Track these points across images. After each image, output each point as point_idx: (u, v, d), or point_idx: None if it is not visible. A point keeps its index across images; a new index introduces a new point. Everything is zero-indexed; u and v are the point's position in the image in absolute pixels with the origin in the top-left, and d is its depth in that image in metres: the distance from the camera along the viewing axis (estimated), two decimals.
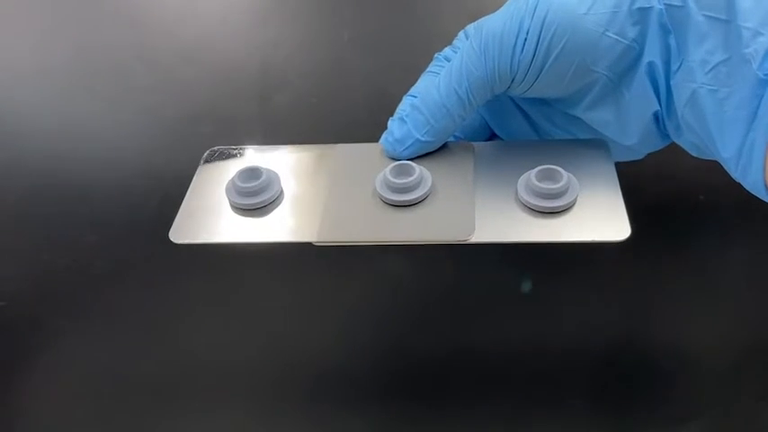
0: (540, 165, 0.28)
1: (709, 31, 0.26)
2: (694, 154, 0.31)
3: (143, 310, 0.40)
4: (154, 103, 0.46)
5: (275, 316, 0.40)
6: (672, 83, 0.28)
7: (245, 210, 0.29)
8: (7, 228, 0.43)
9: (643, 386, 0.37)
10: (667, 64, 0.28)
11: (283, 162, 0.31)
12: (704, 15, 0.26)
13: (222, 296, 0.41)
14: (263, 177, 0.29)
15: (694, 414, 0.36)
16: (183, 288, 0.41)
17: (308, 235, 0.28)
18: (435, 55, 0.33)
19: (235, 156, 0.32)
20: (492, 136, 0.35)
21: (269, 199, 0.29)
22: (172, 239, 0.29)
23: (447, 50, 0.32)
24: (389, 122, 0.31)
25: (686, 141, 0.30)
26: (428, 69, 0.32)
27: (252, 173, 0.29)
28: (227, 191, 0.30)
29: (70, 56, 0.48)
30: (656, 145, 0.31)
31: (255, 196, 0.29)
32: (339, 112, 0.44)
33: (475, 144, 0.31)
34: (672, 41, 0.27)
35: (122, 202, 0.43)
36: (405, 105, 0.31)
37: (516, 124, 0.34)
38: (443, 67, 0.31)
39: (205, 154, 0.32)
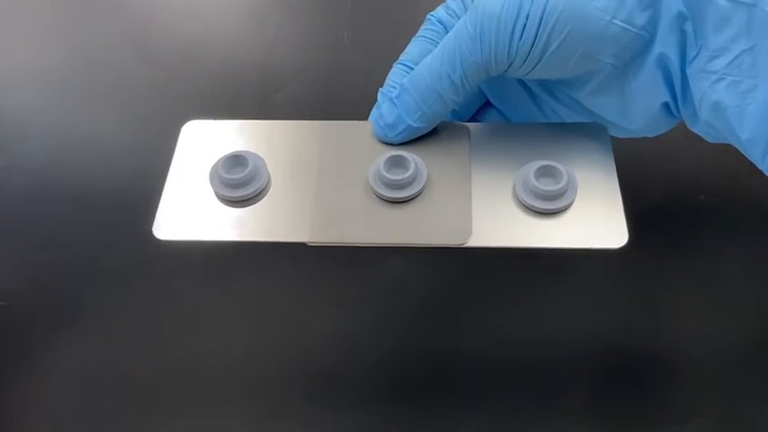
0: (538, 155, 0.28)
1: (731, 16, 0.24)
2: (711, 140, 0.29)
3: (143, 310, 0.40)
4: (154, 103, 0.46)
5: (274, 316, 0.40)
6: (688, 71, 0.26)
7: (231, 201, 0.28)
8: (7, 228, 0.43)
9: (643, 386, 0.37)
10: (683, 51, 0.26)
11: (268, 142, 0.29)
12: None
13: (221, 296, 0.41)
14: (250, 167, 0.27)
15: (694, 414, 0.36)
16: (183, 289, 0.41)
17: (301, 234, 0.27)
18: (428, 16, 0.31)
19: (216, 131, 0.30)
20: (487, 103, 0.33)
21: (256, 191, 0.28)
22: (155, 235, 0.28)
23: (440, 11, 0.30)
24: (379, 95, 0.30)
25: (702, 129, 0.28)
26: (420, 33, 0.30)
27: (237, 161, 0.28)
28: (212, 180, 0.28)
29: (70, 56, 0.48)
30: (662, 130, 0.30)
31: (242, 188, 0.27)
32: (338, 112, 0.44)
33: (470, 126, 0.30)
34: (688, 27, 0.25)
35: (122, 202, 0.43)
36: (394, 78, 0.30)
37: (517, 98, 0.32)
38: (436, 32, 0.30)
39: (182, 130, 0.30)
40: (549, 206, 0.27)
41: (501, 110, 0.33)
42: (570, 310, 0.39)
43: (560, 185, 0.27)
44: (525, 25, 0.25)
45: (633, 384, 0.37)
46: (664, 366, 0.38)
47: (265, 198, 0.28)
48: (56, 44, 0.49)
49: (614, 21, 0.25)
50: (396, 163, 0.28)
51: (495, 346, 0.39)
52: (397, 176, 0.27)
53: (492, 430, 0.37)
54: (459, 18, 0.29)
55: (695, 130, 0.29)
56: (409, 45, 0.31)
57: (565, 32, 0.25)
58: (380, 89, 0.30)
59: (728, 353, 0.38)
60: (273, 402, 0.38)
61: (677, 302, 0.39)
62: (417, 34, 0.31)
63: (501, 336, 0.39)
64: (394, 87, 0.29)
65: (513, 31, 0.26)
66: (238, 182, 0.27)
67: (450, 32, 0.27)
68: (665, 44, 0.26)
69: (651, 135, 0.31)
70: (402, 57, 0.30)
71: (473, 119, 0.33)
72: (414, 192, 0.27)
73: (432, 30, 0.30)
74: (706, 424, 0.36)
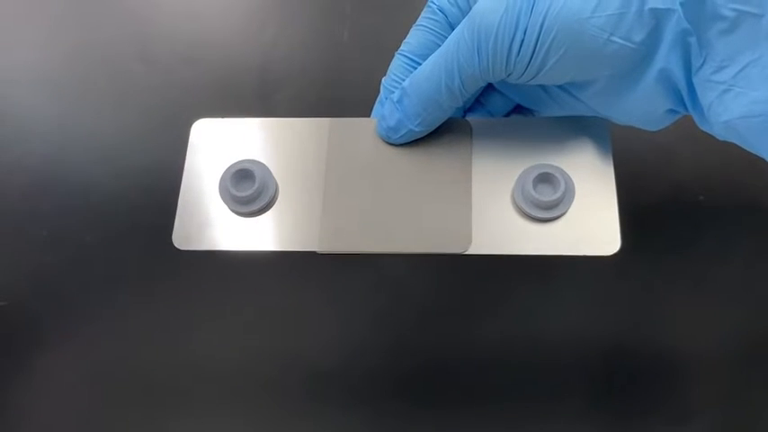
0: (538, 154, 0.28)
1: (737, 27, 0.23)
2: (721, 139, 0.28)
3: (143, 310, 0.40)
4: (154, 103, 0.46)
5: (275, 316, 0.40)
6: (694, 80, 0.26)
7: (242, 214, 0.29)
8: (7, 228, 0.43)
9: (643, 386, 0.37)
10: (687, 63, 0.25)
11: (276, 140, 0.30)
12: (731, 8, 0.23)
13: (222, 296, 0.41)
14: (257, 183, 0.28)
15: (694, 414, 0.36)
16: (183, 288, 0.41)
17: (311, 243, 0.28)
18: (428, 3, 0.30)
19: (224, 129, 0.31)
20: (489, 85, 0.33)
21: (265, 205, 0.29)
22: (176, 245, 0.29)
23: None
24: (382, 89, 0.30)
25: (711, 130, 0.28)
26: (420, 22, 0.30)
27: (244, 174, 0.29)
28: (222, 194, 0.29)
29: (70, 56, 0.48)
30: (667, 123, 0.30)
31: (251, 204, 0.29)
32: (339, 112, 0.44)
33: (472, 122, 0.30)
34: (692, 40, 0.25)
35: (122, 201, 0.43)
36: (395, 70, 0.30)
37: (524, 85, 0.31)
38: (437, 21, 0.30)
39: (192, 130, 0.31)
40: (545, 215, 0.27)
41: (506, 93, 0.33)
42: (570, 311, 0.39)
43: (557, 195, 0.27)
44: (523, 41, 0.25)
45: (633, 384, 0.37)
46: (663, 366, 0.38)
47: (275, 207, 0.29)
48: (56, 44, 0.49)
49: (612, 38, 0.25)
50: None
51: (494, 345, 0.39)
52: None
53: (492, 429, 0.37)
54: (459, 7, 0.29)
55: (704, 129, 0.29)
56: (410, 34, 0.30)
57: (563, 49, 0.25)
58: (383, 80, 0.31)
59: (728, 353, 0.38)
60: (276, 401, 0.38)
61: (677, 302, 0.39)
62: (418, 22, 0.30)
63: (500, 335, 0.39)
64: (396, 84, 0.30)
65: (510, 46, 0.25)
66: (247, 198, 0.28)
67: (450, 39, 0.27)
68: (667, 60, 0.25)
69: (656, 129, 0.31)
70: (403, 47, 0.30)
71: (477, 102, 0.33)
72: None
73: (432, 19, 0.30)
74: (705, 424, 0.36)
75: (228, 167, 0.29)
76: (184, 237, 0.29)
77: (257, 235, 0.29)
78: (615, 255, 0.27)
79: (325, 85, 0.46)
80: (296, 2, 0.50)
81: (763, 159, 0.26)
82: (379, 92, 0.31)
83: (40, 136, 0.46)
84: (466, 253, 0.28)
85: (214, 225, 0.29)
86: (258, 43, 0.48)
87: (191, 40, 0.49)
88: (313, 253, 0.28)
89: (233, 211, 0.29)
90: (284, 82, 0.46)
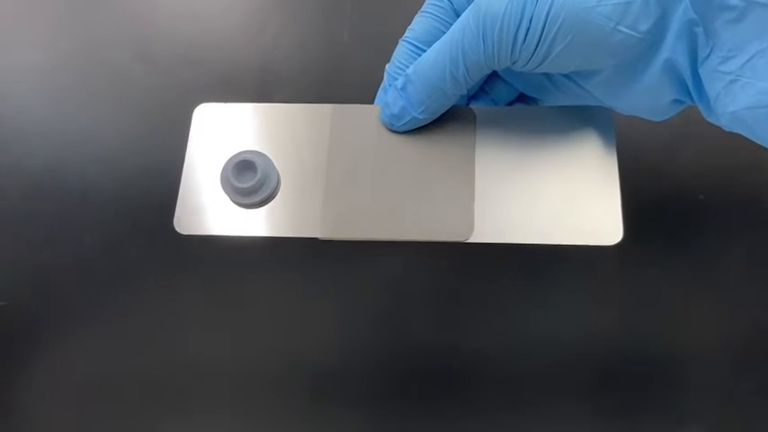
0: (543, 142, 0.28)
1: (744, 17, 0.23)
2: (728, 130, 0.28)
3: (143, 310, 0.40)
4: (154, 104, 0.46)
5: (275, 316, 0.40)
6: (700, 71, 0.26)
7: (244, 205, 0.29)
8: (7, 228, 0.43)
9: (643, 386, 0.37)
10: (693, 53, 0.25)
11: (278, 125, 0.30)
12: None
13: (222, 296, 0.41)
14: (259, 174, 0.28)
15: (693, 414, 0.36)
16: (183, 288, 0.41)
17: (313, 230, 0.28)
18: None
19: (226, 114, 0.31)
20: (494, 72, 0.33)
21: (267, 196, 0.29)
22: (177, 230, 0.29)
23: None
24: (386, 75, 0.30)
25: (718, 121, 0.28)
26: (425, 9, 0.30)
27: (246, 165, 0.29)
28: (224, 185, 0.29)
29: (70, 56, 0.48)
30: (673, 113, 0.30)
31: (253, 195, 0.28)
32: None
33: (476, 110, 0.30)
34: (699, 30, 0.25)
35: (122, 201, 0.43)
36: (400, 57, 0.30)
37: (529, 74, 0.31)
38: (441, 7, 0.30)
39: (194, 114, 0.31)
40: None
41: (510, 81, 0.33)
42: (569, 310, 0.39)
43: None
44: (528, 29, 0.25)
45: (632, 385, 0.37)
46: (663, 366, 0.38)
47: (277, 197, 0.29)
48: (56, 44, 0.49)
49: (619, 27, 0.25)
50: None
51: (494, 345, 0.39)
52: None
53: (492, 429, 0.37)
54: None
55: (711, 120, 0.28)
56: (414, 21, 0.30)
57: (568, 38, 0.25)
58: (387, 66, 0.30)
59: (728, 353, 0.38)
60: (276, 401, 0.38)
61: (676, 302, 0.39)
62: (423, 9, 0.30)
63: (500, 335, 0.39)
64: (400, 71, 0.30)
65: (516, 35, 0.25)
66: (249, 190, 0.28)
67: (455, 26, 0.27)
68: (673, 50, 0.25)
69: (660, 119, 0.30)
70: (407, 33, 0.30)
71: (481, 90, 0.33)
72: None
73: (437, 6, 0.30)
74: (705, 424, 0.36)
75: (230, 158, 0.29)
76: (185, 222, 0.29)
77: (259, 221, 0.29)
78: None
79: (326, 85, 0.46)
80: (296, 2, 0.50)
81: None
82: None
83: (40, 137, 0.46)
84: (468, 241, 0.27)
85: (215, 210, 0.29)
86: (258, 44, 0.48)
87: (191, 41, 0.49)
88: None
89: (234, 202, 0.29)
90: (284, 82, 0.46)
